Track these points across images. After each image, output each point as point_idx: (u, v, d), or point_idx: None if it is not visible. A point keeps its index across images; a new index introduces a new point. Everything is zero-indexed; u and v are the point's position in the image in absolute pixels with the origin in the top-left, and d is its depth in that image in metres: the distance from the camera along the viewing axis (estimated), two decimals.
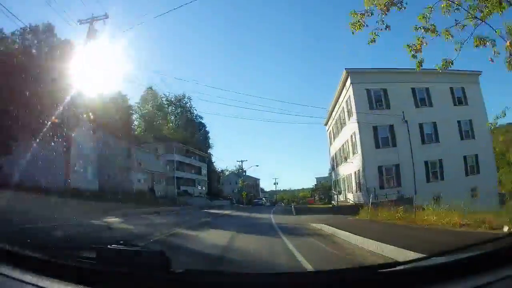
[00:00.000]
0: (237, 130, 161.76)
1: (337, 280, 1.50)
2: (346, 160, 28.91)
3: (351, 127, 26.95)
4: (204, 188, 66.83)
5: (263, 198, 53.11)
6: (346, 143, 29.19)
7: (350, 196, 28.45)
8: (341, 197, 31.09)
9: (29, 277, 1.52)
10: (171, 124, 70.74)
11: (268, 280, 1.60)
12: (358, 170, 25.48)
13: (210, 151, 78.32)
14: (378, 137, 25.41)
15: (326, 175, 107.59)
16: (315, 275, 1.94)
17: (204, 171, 68.31)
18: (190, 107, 71.69)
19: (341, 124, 31.49)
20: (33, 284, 1.48)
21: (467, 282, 1.32)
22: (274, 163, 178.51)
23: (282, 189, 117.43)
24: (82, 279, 1.49)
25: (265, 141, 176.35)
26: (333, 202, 28.92)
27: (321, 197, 50.89)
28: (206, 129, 76.70)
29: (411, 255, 4.60)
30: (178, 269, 1.50)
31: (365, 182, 24.09)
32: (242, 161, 73.04)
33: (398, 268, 1.51)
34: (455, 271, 1.40)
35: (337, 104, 31.76)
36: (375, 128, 25.41)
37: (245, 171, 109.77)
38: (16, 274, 1.56)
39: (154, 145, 59.36)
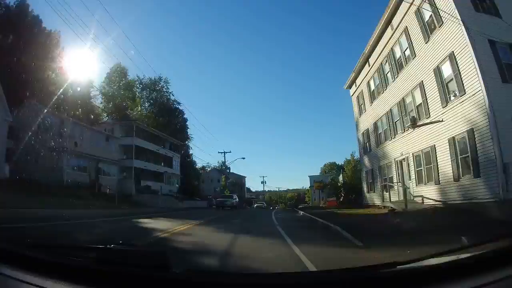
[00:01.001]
0: (222, 121, 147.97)
1: (337, 279, 1.47)
2: (415, 123, 15.30)
3: (440, 48, 13.47)
4: (176, 185, 52.25)
5: (234, 196, 37.09)
6: (418, 91, 15.62)
7: (426, 190, 14.91)
8: (393, 194, 17.54)
9: (29, 277, 1.48)
10: (142, 108, 58.30)
11: (269, 280, 1.58)
12: (469, 131, 11.89)
13: (188, 143, 64.55)
14: (501, 62, 12.00)
15: (318, 174, 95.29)
16: (316, 275, 1.93)
17: (176, 164, 53.79)
18: (167, 92, 59.66)
19: (395, 63, 18.01)
20: (33, 284, 1.43)
21: (467, 282, 1.30)
22: (262, 163, 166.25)
23: (268, 190, 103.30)
24: (82, 279, 1.45)
25: (253, 137, 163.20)
26: (391, 205, 15.32)
27: (332, 196, 37.12)
28: (184, 116, 62.73)
29: None
30: (178, 269, 1.47)
31: (499, 151, 10.58)
32: (224, 152, 58.55)
33: (398, 268, 1.48)
34: (455, 271, 1.38)
35: (389, 29, 18.29)
36: (492, 44, 12.02)
37: (229, 168, 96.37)
38: (16, 274, 1.51)
39: (111, 125, 45.13)
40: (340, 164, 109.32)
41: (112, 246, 1.71)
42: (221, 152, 58.52)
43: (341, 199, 31.59)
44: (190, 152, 66.61)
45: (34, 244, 2.04)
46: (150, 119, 55.07)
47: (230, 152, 59.06)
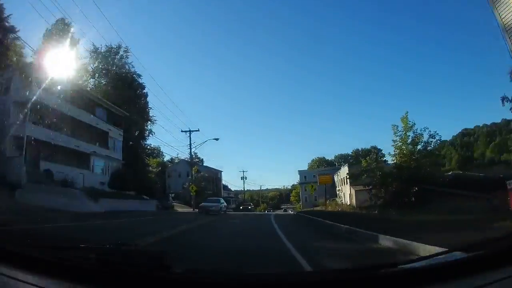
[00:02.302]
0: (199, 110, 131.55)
1: (338, 279, 1.44)
2: None
3: None
4: (111, 173, 34.18)
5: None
6: None
7: None
8: None
9: (29, 277, 1.45)
10: (96, 81, 41.85)
11: (269, 280, 1.55)
12: None
13: (151, 127, 47.32)
14: None
15: (305, 168, 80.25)
16: (316, 275, 1.91)
17: (117, 144, 36.32)
18: (126, 63, 44.11)
19: None
20: (33, 284, 1.40)
21: (467, 282, 1.29)
22: (242, 162, 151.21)
23: (248, 189, 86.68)
24: (82, 279, 1.43)
25: (233, 134, 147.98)
26: None
27: (381, 192, 20.11)
28: (144, 90, 45.63)
29: None
30: (179, 268, 1.47)
31: None
32: (190, 130, 41.63)
33: (399, 268, 1.48)
34: (456, 271, 1.35)
35: None
36: None
37: (202, 160, 79.25)
38: (16, 274, 1.47)
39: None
40: (329, 159, 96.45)
41: (112, 246, 1.68)
42: (185, 131, 41.60)
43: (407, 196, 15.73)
44: (151, 136, 49.21)
45: (34, 244, 2.00)
46: (103, 93, 38.64)
47: (198, 130, 42.15)
